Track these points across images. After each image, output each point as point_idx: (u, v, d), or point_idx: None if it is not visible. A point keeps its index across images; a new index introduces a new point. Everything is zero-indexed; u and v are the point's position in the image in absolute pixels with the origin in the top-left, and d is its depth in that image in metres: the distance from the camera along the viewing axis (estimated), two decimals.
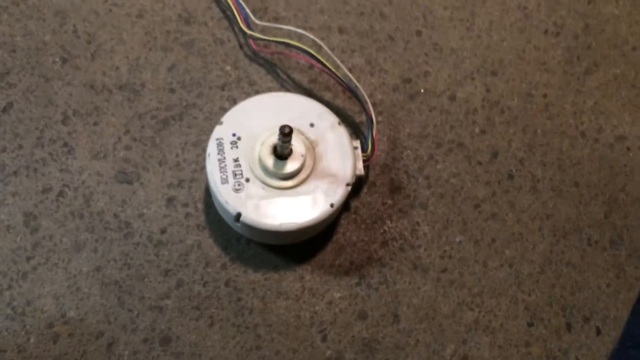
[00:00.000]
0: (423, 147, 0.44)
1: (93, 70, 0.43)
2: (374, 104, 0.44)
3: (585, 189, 0.45)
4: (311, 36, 0.41)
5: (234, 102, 0.43)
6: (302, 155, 0.36)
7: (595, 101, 0.47)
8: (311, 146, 0.38)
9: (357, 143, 0.40)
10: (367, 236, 0.42)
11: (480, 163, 0.44)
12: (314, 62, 0.42)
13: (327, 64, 0.41)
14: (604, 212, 0.44)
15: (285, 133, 0.34)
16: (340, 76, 0.41)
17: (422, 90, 0.46)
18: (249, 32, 0.44)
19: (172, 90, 0.43)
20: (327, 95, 0.45)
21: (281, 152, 0.36)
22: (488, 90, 0.46)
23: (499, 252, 0.42)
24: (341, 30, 0.47)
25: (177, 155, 0.42)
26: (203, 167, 0.38)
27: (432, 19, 0.48)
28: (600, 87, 0.48)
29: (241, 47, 0.45)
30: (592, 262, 0.43)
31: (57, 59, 0.43)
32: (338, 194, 0.37)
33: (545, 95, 0.47)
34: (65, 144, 0.41)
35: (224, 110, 0.39)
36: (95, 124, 0.42)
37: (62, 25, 0.44)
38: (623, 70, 0.49)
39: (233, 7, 0.44)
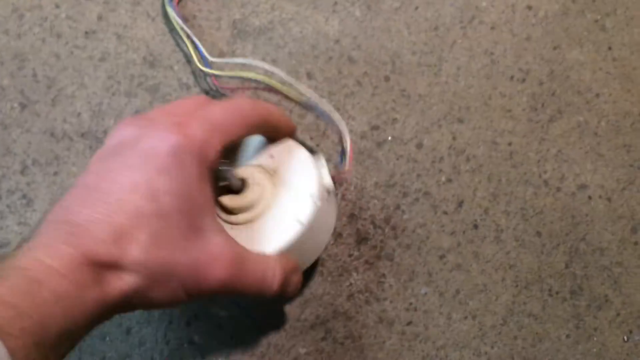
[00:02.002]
0: (390, 196, 0.44)
1: (53, 117, 0.42)
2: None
3: (547, 239, 0.46)
4: (266, 66, 0.40)
5: None
6: (258, 184, 0.35)
7: (559, 149, 0.48)
8: (269, 173, 0.37)
9: (322, 157, 0.38)
10: (333, 289, 0.42)
11: (445, 212, 0.45)
12: (272, 90, 0.41)
13: (284, 90, 0.41)
14: (564, 261, 0.45)
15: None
16: (300, 99, 0.41)
17: (389, 138, 0.46)
18: (204, 69, 0.43)
19: None
20: (298, 121, 0.44)
21: (234, 187, 0.35)
22: (454, 138, 0.47)
23: (463, 303, 0.43)
24: (309, 76, 0.47)
25: None
26: None
27: (400, 64, 0.48)
28: (563, 135, 0.49)
29: (207, 92, 0.45)
30: (552, 312, 0.44)
31: (16, 105, 0.42)
32: (305, 210, 0.35)
33: (510, 143, 0.48)
34: (24, 196, 0.40)
35: None
36: (55, 173, 0.41)
37: (20, 69, 0.43)
38: (586, 117, 0.49)
39: (189, 46, 0.43)
